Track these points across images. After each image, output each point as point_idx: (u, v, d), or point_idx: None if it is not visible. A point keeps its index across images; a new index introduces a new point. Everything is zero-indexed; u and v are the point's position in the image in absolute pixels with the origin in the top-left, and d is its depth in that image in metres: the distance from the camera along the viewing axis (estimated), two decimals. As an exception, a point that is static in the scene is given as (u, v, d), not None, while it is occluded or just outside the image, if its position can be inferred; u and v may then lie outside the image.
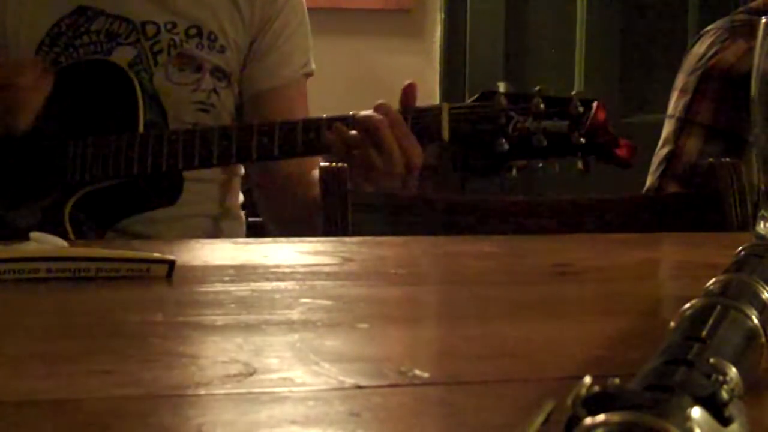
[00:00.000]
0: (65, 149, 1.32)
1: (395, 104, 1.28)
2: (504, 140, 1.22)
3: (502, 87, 1.27)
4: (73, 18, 1.41)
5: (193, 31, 1.43)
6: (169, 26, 1.42)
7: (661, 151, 1.67)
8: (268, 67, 1.48)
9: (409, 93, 1.30)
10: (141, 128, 1.33)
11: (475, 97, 1.28)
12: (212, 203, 1.48)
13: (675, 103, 1.68)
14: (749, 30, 1.63)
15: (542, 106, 1.23)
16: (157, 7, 1.42)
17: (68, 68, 1.40)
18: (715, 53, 1.64)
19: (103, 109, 1.37)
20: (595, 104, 1.22)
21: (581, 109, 1.22)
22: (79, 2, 1.41)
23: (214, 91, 1.45)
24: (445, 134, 1.26)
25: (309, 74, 1.53)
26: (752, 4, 1.75)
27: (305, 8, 1.53)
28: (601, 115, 1.21)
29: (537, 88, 1.25)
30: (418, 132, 1.26)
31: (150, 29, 1.41)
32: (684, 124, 1.65)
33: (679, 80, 1.70)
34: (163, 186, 1.38)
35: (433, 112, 1.27)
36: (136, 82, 1.35)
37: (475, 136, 1.25)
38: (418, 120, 1.27)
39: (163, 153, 1.29)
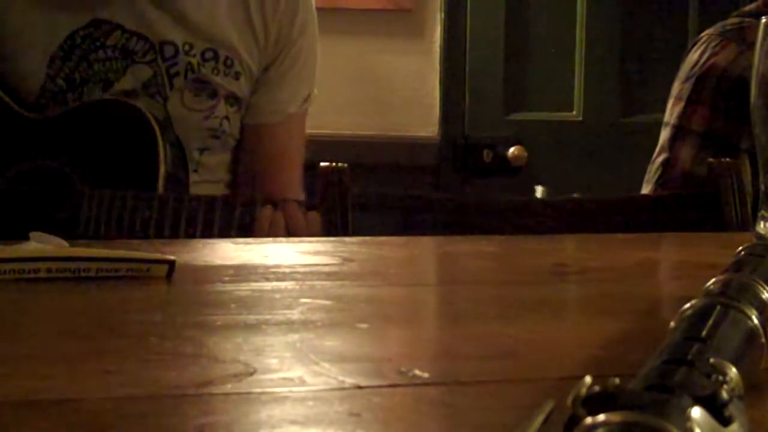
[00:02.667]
0: (80, 201, 1.28)
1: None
2: None
3: (539, 192, 1.25)
4: (89, 30, 1.37)
5: (209, 55, 1.40)
6: (186, 47, 1.39)
7: (657, 159, 1.67)
8: (275, 102, 1.46)
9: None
10: (160, 185, 1.30)
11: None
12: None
13: (670, 111, 1.69)
14: (740, 33, 1.64)
15: None
16: (175, 26, 1.39)
17: (91, 106, 1.36)
18: (708, 59, 1.65)
19: (122, 157, 1.33)
20: None
21: None
22: (95, 15, 1.38)
23: (226, 118, 1.43)
24: None
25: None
26: (746, 8, 1.75)
27: (317, 35, 1.51)
28: None
29: (574, 195, 1.22)
30: None
31: (168, 50, 1.38)
32: (678, 131, 1.65)
33: (675, 88, 1.70)
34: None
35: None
36: (159, 134, 1.31)
37: None
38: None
39: (182, 221, 1.25)
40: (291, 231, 1.27)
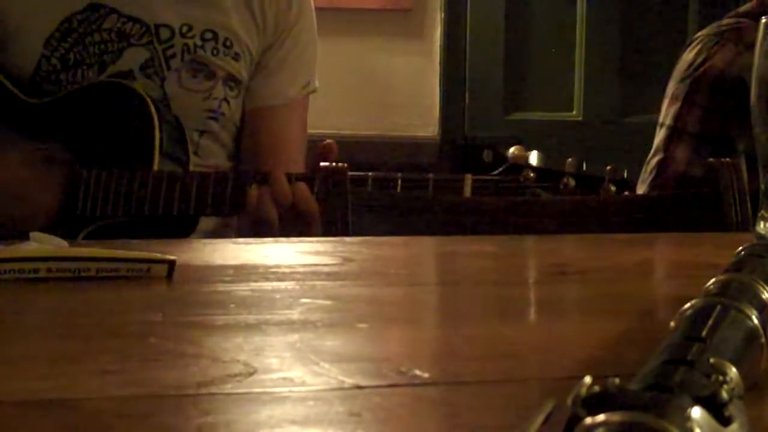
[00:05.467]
0: (78, 180, 1.30)
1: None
2: None
3: (534, 157, 1.25)
4: (85, 14, 1.39)
5: (208, 35, 1.41)
6: (184, 29, 1.40)
7: (652, 160, 1.67)
8: (275, 84, 1.47)
9: (323, 152, 1.31)
10: (156, 163, 1.31)
11: (504, 167, 1.26)
12: (230, 233, 1.47)
13: (666, 111, 1.68)
14: (737, 34, 1.63)
15: (573, 184, 1.20)
16: (172, 9, 1.40)
17: (88, 89, 1.38)
18: (704, 60, 1.64)
19: (119, 137, 1.35)
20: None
21: (613, 190, 1.20)
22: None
23: (225, 100, 1.44)
24: None
25: (312, 92, 1.53)
26: (741, 8, 1.75)
27: (315, 23, 1.52)
28: None
29: (569, 160, 1.23)
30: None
31: (164, 32, 1.40)
32: (674, 132, 1.65)
33: (670, 88, 1.70)
34: (176, 221, 1.35)
35: (456, 181, 1.26)
36: (154, 113, 1.33)
37: None
38: (439, 188, 1.26)
39: (175, 197, 1.28)
40: (277, 202, 1.27)
